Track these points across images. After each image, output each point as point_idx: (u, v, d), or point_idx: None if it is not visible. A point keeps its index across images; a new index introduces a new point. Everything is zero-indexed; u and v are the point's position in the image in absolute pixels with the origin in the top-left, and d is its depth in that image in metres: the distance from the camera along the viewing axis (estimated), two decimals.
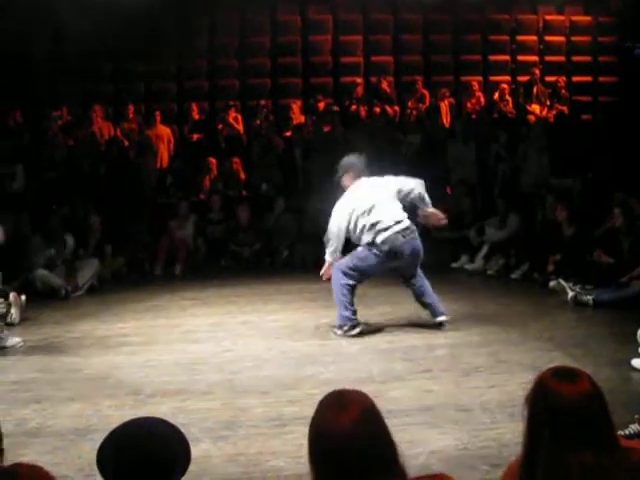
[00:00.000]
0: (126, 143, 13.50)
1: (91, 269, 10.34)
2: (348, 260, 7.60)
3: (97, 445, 4.74)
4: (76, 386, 6.28)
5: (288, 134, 13.89)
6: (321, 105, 14.39)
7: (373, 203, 7.49)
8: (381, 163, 12.38)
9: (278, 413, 5.50)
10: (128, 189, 12.12)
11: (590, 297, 8.63)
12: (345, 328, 7.55)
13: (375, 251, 7.49)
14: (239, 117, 14.21)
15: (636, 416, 4.77)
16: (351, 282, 7.59)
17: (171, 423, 2.50)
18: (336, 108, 14.29)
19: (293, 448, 4.72)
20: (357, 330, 7.56)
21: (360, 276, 7.65)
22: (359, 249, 7.61)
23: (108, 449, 2.42)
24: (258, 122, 14.04)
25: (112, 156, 13.01)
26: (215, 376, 6.45)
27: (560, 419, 2.23)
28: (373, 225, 7.46)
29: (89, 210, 11.33)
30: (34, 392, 6.15)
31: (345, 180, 7.69)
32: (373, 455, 2.14)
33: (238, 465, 4.68)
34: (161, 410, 5.47)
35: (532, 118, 14.00)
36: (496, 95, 14.78)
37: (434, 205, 7.88)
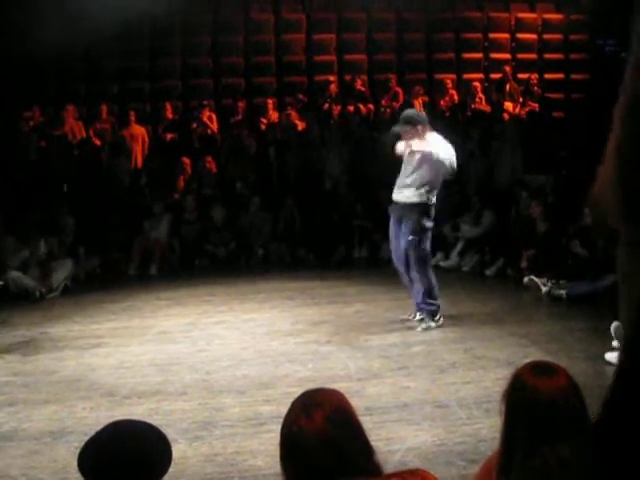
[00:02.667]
0: (98, 143, 13.41)
1: (65, 270, 10.27)
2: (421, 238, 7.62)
3: (72, 447, 4.78)
4: (51, 388, 6.24)
5: (262, 132, 13.87)
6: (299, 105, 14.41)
7: None
8: (357, 160, 12.52)
9: (255, 412, 5.49)
10: (101, 190, 12.04)
11: (564, 291, 8.72)
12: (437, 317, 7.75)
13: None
14: (213, 116, 14.16)
15: None
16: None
17: (151, 424, 2.52)
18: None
19: (271, 447, 4.70)
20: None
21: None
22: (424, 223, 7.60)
23: (89, 451, 2.43)
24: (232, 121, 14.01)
25: (85, 157, 12.93)
26: (191, 376, 6.43)
27: (537, 414, 2.24)
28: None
29: (62, 211, 11.25)
30: (8, 395, 6.10)
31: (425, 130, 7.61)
32: (343, 455, 2.14)
33: (215, 465, 4.67)
34: (137, 411, 5.46)
35: (506, 116, 14.07)
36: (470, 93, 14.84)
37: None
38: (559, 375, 2.32)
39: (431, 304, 7.72)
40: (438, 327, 7.66)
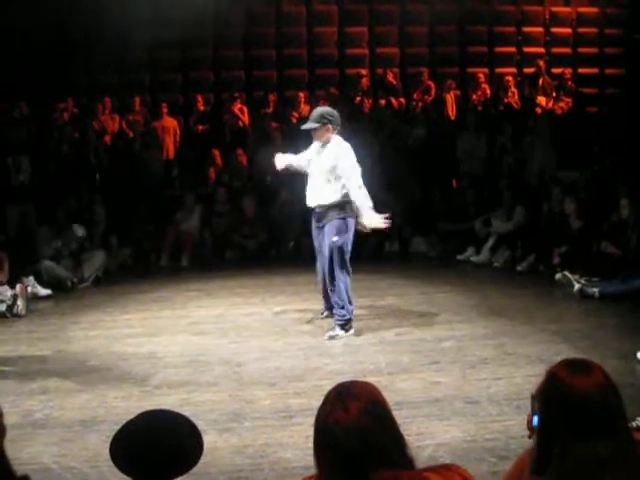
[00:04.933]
0: (131, 134, 13.50)
1: (97, 261, 10.35)
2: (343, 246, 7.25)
3: (104, 436, 4.82)
4: (82, 377, 6.30)
5: (293, 125, 13.85)
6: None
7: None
8: (386, 155, 12.47)
9: (285, 405, 5.50)
10: (133, 181, 12.11)
11: (596, 289, 8.61)
12: (350, 328, 7.36)
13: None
14: (244, 108, 14.18)
15: None
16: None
17: (184, 415, 2.53)
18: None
19: (300, 440, 4.72)
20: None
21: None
22: (339, 225, 7.22)
23: (122, 440, 2.44)
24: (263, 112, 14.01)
25: (117, 148, 13.01)
26: (221, 368, 6.46)
27: (574, 412, 2.21)
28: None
29: (95, 202, 11.33)
30: (40, 383, 6.16)
31: (332, 131, 7.28)
32: (377, 447, 2.13)
33: (245, 457, 4.68)
34: (167, 402, 5.49)
35: (539, 110, 13.95)
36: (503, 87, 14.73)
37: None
38: (595, 372, 2.28)
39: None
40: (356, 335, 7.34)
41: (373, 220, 7.14)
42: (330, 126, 7.23)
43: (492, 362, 6.37)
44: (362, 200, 7.11)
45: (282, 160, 7.62)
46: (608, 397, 2.24)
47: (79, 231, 10.30)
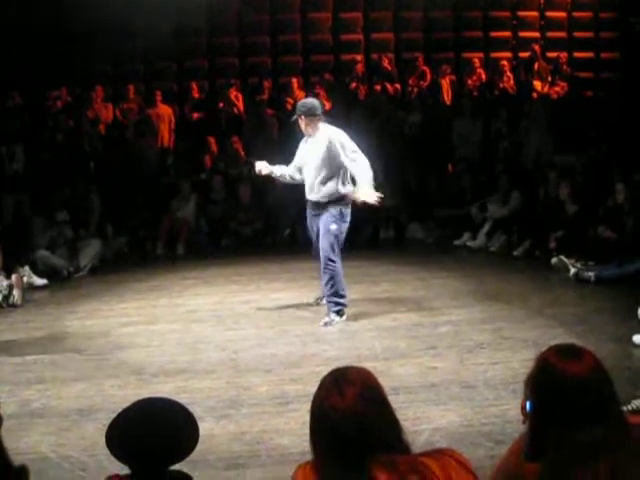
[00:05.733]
0: (125, 122, 13.45)
1: (93, 250, 10.32)
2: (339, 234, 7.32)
3: (101, 425, 4.82)
4: (79, 366, 6.30)
5: (288, 112, 13.82)
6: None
7: None
8: (382, 140, 12.45)
9: (282, 391, 5.51)
10: (129, 169, 12.08)
11: (592, 274, 8.62)
12: (343, 313, 7.38)
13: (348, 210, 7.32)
14: (240, 96, 14.14)
15: None
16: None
17: (180, 403, 2.53)
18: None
19: (297, 426, 4.73)
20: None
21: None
22: (335, 214, 7.23)
23: (118, 429, 2.45)
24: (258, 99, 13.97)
25: (112, 136, 12.98)
26: (218, 355, 6.46)
27: (569, 397, 2.21)
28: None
29: (90, 190, 11.30)
30: (37, 373, 6.17)
31: (308, 121, 7.24)
32: (373, 432, 2.14)
33: (242, 443, 4.70)
34: (164, 389, 5.49)
35: (534, 95, 13.93)
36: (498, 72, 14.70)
37: None
38: (586, 357, 2.29)
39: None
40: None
41: (368, 195, 7.06)
42: (303, 117, 7.19)
43: (489, 347, 6.38)
44: (360, 173, 7.07)
45: (263, 166, 7.57)
46: (601, 382, 2.24)
47: (60, 216, 10.23)
